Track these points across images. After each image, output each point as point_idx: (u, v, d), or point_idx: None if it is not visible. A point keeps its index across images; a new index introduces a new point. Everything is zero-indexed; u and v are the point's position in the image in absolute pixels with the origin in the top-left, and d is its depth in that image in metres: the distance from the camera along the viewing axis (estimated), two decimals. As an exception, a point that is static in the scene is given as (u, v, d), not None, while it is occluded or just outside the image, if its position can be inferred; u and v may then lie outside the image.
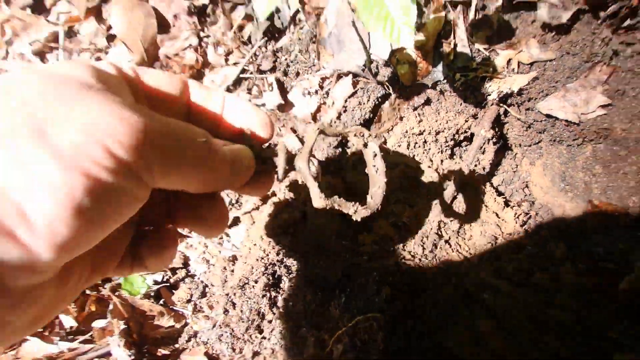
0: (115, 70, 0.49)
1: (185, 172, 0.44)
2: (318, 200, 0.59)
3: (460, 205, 1.21)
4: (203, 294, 1.15)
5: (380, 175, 0.64)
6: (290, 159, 0.61)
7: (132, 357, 1.03)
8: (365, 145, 0.66)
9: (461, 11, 1.17)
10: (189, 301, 1.15)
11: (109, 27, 1.30)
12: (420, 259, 1.11)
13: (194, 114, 0.58)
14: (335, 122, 1.21)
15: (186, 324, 1.14)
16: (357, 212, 0.62)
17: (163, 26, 1.26)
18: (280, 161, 0.59)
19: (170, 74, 0.56)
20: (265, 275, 1.06)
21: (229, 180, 0.52)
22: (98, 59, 1.30)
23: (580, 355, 1.01)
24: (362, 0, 0.81)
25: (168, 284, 1.17)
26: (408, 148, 1.24)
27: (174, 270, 1.19)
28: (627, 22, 1.11)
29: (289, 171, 0.61)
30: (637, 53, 1.13)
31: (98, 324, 1.08)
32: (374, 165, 0.65)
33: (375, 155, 0.65)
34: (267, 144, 0.62)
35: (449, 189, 1.19)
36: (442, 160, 1.26)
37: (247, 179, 0.55)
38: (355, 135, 0.67)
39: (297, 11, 1.23)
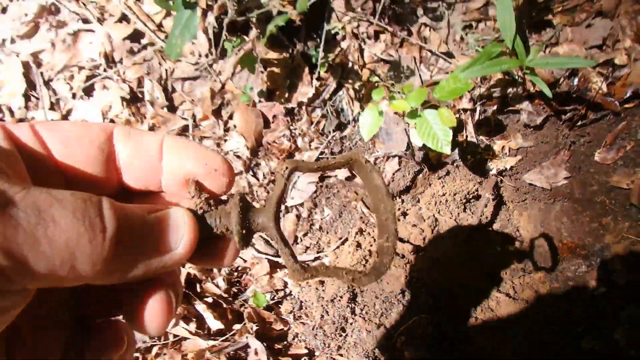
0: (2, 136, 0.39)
1: (62, 266, 0.32)
2: (292, 272, 0.44)
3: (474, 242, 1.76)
4: (300, 307, 1.68)
5: (388, 220, 0.46)
6: (247, 215, 0.45)
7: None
8: (365, 177, 0.48)
9: (469, 114, 1.76)
10: (291, 312, 1.67)
11: (226, 122, 1.88)
12: (451, 280, 1.65)
13: (124, 172, 0.46)
14: (386, 188, 1.77)
15: (290, 328, 1.66)
16: (355, 280, 0.45)
17: (266, 122, 1.84)
18: (232, 222, 0.44)
19: (86, 126, 0.44)
20: (348, 292, 1.60)
21: (157, 260, 0.39)
22: (218, 144, 1.87)
23: (560, 340, 1.54)
24: (418, 125, 1.39)
25: (277, 300, 1.70)
26: (435, 205, 1.80)
27: (277, 291, 1.72)
28: (579, 122, 1.70)
29: (250, 235, 0.46)
30: (587, 142, 1.72)
31: (236, 326, 1.60)
32: (380, 205, 0.47)
33: (379, 188, 0.47)
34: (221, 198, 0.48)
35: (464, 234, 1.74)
36: (458, 213, 1.82)
37: (189, 253, 0.41)
38: (346, 165, 0.48)
39: (358, 113, 1.82)
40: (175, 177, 0.46)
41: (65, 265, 0.32)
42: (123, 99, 1.95)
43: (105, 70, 2.00)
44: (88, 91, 1.99)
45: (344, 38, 1.84)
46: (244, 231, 0.44)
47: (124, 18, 2.02)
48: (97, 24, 2.03)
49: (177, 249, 0.40)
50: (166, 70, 1.98)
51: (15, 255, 0.30)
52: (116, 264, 0.36)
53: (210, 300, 1.67)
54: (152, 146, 0.45)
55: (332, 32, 1.81)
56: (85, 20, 2.05)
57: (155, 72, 1.98)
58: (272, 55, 1.86)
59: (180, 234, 0.41)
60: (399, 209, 1.79)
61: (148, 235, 0.39)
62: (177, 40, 1.50)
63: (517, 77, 1.66)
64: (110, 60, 2.01)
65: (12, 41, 2.02)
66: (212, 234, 0.45)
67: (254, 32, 1.80)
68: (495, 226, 1.90)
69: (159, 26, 1.99)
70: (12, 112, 2.07)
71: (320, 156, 1.82)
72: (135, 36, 1.99)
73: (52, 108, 2.03)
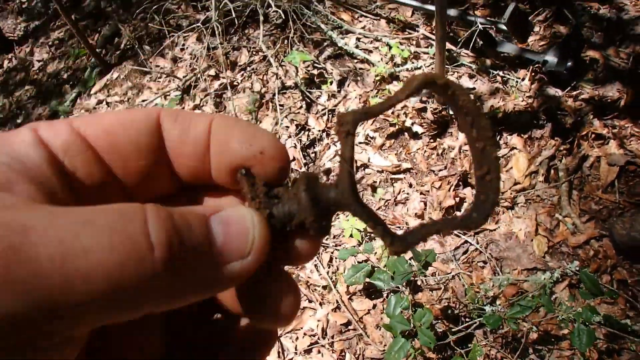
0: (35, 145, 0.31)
1: (106, 307, 0.25)
2: (391, 247, 0.35)
3: None
4: None
5: (486, 147, 0.34)
6: (319, 194, 0.35)
7: None
8: (450, 100, 0.34)
9: None
10: None
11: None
12: None
13: (173, 160, 0.38)
14: None
15: None
16: (463, 225, 0.36)
17: None
18: (303, 207, 0.35)
19: (130, 114, 0.36)
20: None
21: (223, 274, 0.30)
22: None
23: None
24: None
25: None
26: None
27: None
28: None
29: (328, 219, 0.36)
30: None
31: None
32: (472, 130, 0.35)
33: (468, 108, 0.34)
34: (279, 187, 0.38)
35: None
36: None
37: (262, 259, 0.32)
38: (418, 92, 0.33)
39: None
40: (221, 163, 0.37)
41: (111, 306, 0.25)
42: (332, 363, 3.06)
43: (319, 340, 3.16)
44: (307, 352, 3.14)
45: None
46: (321, 221, 0.35)
47: (337, 307, 3.26)
48: (318, 306, 3.28)
49: (246, 257, 0.31)
50: (360, 348, 3.11)
51: (41, 301, 0.22)
52: (172, 289, 0.27)
53: None
54: (200, 127, 0.36)
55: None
56: (310, 300, 3.31)
57: (352, 348, 3.12)
58: (431, 354, 2.97)
59: (250, 239, 0.32)
60: None
61: (210, 245, 0.30)
62: (394, 353, 2.64)
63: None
64: (324, 333, 3.19)
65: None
66: (282, 231, 0.35)
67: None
68: None
69: (360, 319, 3.19)
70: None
71: None
72: (345, 322, 3.20)
73: (278, 356, 3.17)
